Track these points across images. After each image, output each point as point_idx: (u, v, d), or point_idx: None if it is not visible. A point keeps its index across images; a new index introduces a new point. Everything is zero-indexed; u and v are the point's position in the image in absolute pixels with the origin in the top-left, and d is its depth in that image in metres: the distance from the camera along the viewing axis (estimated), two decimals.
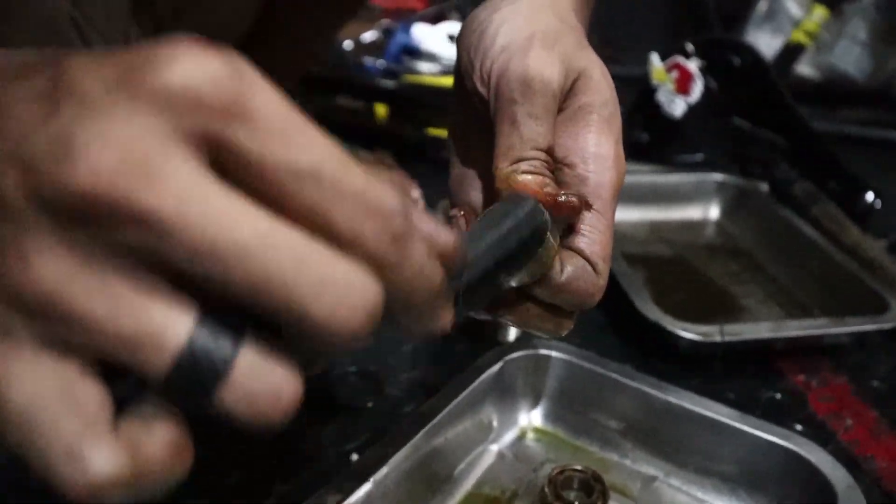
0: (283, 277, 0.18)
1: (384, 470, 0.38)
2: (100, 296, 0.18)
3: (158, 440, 0.19)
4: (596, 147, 0.33)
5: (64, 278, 0.18)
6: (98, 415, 0.18)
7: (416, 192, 0.70)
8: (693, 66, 0.81)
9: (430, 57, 1.14)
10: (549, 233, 0.30)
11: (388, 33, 1.16)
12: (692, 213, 0.77)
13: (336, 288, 0.18)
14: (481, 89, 0.34)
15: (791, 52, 1.13)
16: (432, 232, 0.22)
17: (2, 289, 0.18)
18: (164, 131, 0.18)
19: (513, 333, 0.55)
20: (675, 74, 0.81)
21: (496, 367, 0.45)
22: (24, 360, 0.18)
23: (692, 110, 0.81)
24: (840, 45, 1.25)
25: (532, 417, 0.47)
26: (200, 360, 0.18)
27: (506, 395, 0.46)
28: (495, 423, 0.46)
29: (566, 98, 0.34)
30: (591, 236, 0.32)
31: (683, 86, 0.81)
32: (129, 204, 0.17)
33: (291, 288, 0.18)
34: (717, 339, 0.52)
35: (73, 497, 0.18)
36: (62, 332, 0.18)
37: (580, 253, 0.32)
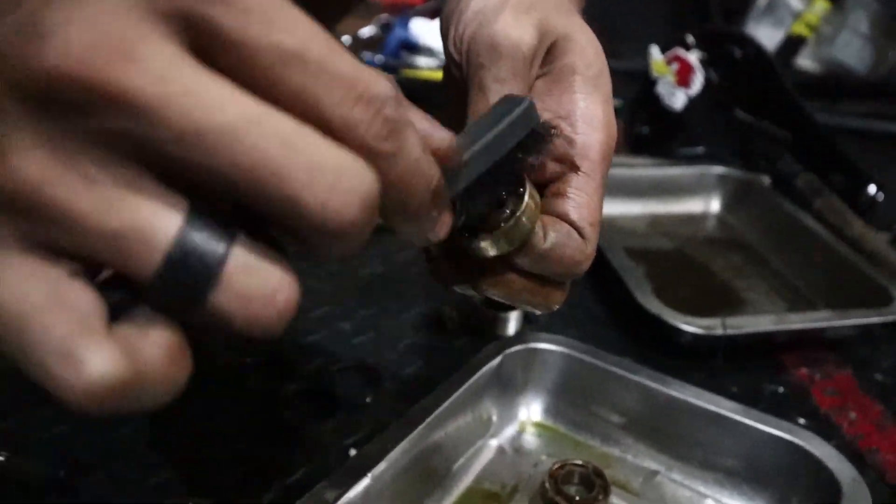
0: (273, 162, 0.17)
1: (382, 465, 0.37)
2: (84, 190, 0.17)
3: (156, 344, 0.18)
4: (582, 108, 0.32)
5: (45, 173, 0.17)
6: (91, 315, 0.17)
7: None
8: (693, 58, 0.80)
9: (429, 52, 1.13)
10: (527, 194, 0.29)
11: (386, 28, 1.16)
12: (693, 206, 0.77)
13: (328, 173, 0.17)
14: (455, 55, 0.33)
15: (792, 44, 1.12)
16: (426, 128, 0.21)
17: None
18: (140, 10, 0.16)
19: (512, 327, 0.55)
20: (675, 67, 0.81)
21: (495, 362, 0.45)
22: (11, 263, 0.17)
23: (693, 103, 0.80)
24: (841, 37, 1.25)
25: (532, 412, 0.47)
26: (191, 258, 0.17)
27: (505, 389, 0.46)
28: (495, 418, 0.45)
29: (547, 62, 0.33)
30: (578, 199, 0.31)
31: (684, 78, 0.80)
32: (107, 84, 0.16)
33: (281, 173, 0.17)
34: (719, 332, 0.52)
35: (72, 402, 0.17)
36: (47, 232, 0.17)
37: (565, 217, 0.31)
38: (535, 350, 0.46)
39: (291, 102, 0.18)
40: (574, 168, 0.31)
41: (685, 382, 0.45)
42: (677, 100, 0.80)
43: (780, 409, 0.51)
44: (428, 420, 0.40)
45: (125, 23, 0.16)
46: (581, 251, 0.30)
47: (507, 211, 0.28)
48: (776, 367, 0.55)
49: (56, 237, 0.17)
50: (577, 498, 0.40)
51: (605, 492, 0.41)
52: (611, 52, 0.34)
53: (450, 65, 0.34)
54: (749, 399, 0.51)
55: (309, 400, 0.48)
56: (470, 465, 0.43)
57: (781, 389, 0.53)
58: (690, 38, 0.80)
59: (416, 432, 0.40)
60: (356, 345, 0.53)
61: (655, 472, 0.44)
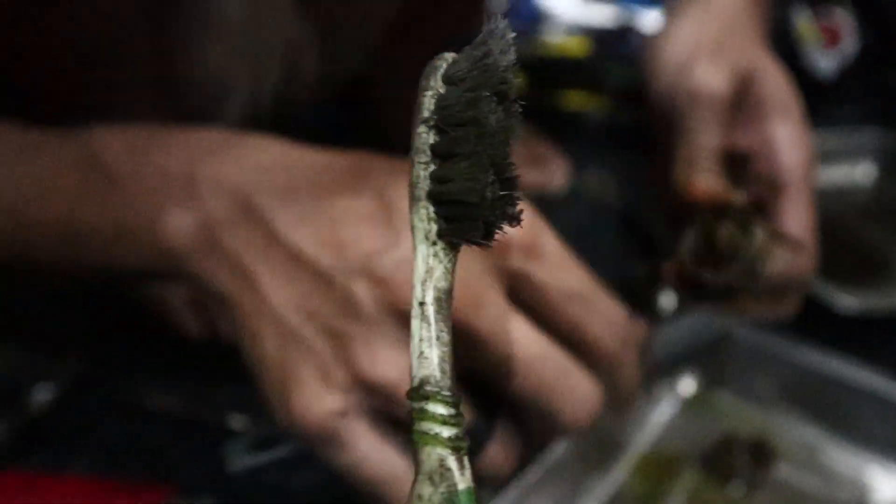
0: (549, 384, 0.25)
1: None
2: None
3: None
4: (778, 133, 0.36)
5: (399, 370, 0.24)
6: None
7: (562, 170, 0.72)
8: (844, 18, 0.78)
9: (558, 19, 1.15)
10: (758, 232, 0.32)
11: None
12: (847, 174, 0.76)
13: (580, 394, 0.26)
14: (657, 107, 0.38)
15: None
16: (638, 331, 0.29)
17: (351, 370, 0.24)
18: (488, 269, 0.24)
19: (669, 302, 0.58)
20: (822, 28, 0.79)
21: (660, 337, 0.49)
22: (363, 430, 0.25)
23: (845, 65, 0.78)
24: None
25: (695, 385, 0.50)
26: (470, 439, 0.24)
27: (670, 363, 0.50)
28: (661, 391, 0.49)
29: (742, 97, 0.36)
30: (793, 215, 0.35)
31: (833, 40, 0.78)
32: (464, 322, 0.24)
33: (553, 392, 0.25)
34: (879, 307, 0.53)
35: None
36: (385, 408, 0.25)
37: (786, 235, 0.35)
38: (697, 326, 0.49)
39: (567, 325, 0.26)
40: (782, 188, 0.35)
41: (842, 357, 0.47)
42: (825, 63, 0.79)
43: None
44: None
45: (477, 277, 0.24)
46: (807, 265, 0.35)
47: (742, 245, 0.32)
48: None
49: (396, 414, 0.24)
50: (746, 466, 0.44)
51: (772, 460, 0.44)
52: None
53: (653, 114, 0.38)
54: None
55: None
56: (641, 435, 0.47)
57: None
58: None
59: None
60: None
61: (816, 444, 0.46)
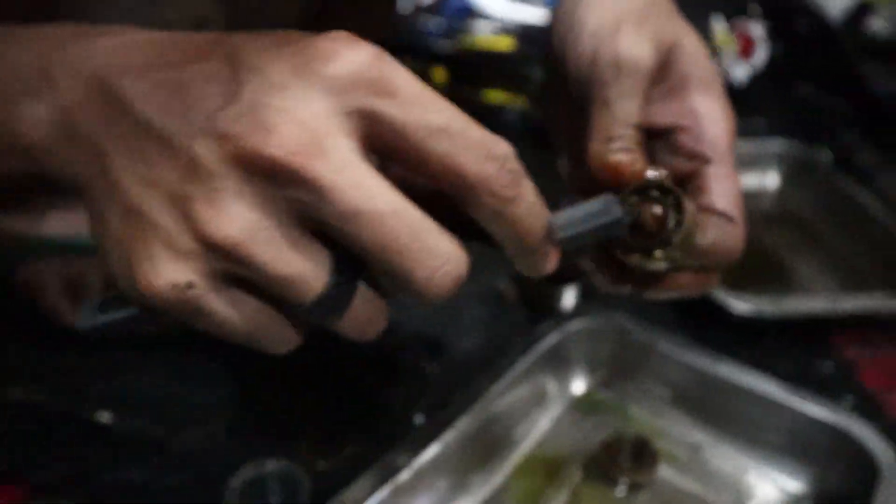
0: (400, 243, 0.23)
1: (451, 433, 0.41)
2: (271, 245, 0.23)
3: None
4: (702, 106, 0.34)
5: (248, 228, 0.22)
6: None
7: None
8: (757, 29, 0.79)
9: (485, 16, 1.14)
10: (686, 203, 0.30)
11: None
12: (751, 181, 0.77)
13: (437, 257, 0.23)
14: (574, 74, 0.36)
15: (862, 11, 1.09)
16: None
17: (195, 235, 0.23)
18: (332, 111, 0.22)
19: (568, 301, 0.58)
20: (738, 38, 0.80)
21: (553, 337, 0.48)
22: (221, 292, 0.24)
23: (755, 75, 0.80)
24: None
25: (586, 385, 0.50)
26: (332, 300, 0.24)
27: (562, 363, 0.49)
28: (551, 390, 0.49)
29: (664, 70, 0.35)
30: (720, 189, 0.33)
31: (747, 50, 0.80)
32: (304, 171, 0.22)
33: (404, 252, 0.23)
34: (771, 312, 0.53)
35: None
36: (238, 270, 0.23)
37: (714, 209, 0.33)
38: (591, 327, 0.49)
39: (437, 166, 0.23)
40: (707, 161, 0.33)
41: (733, 360, 0.47)
42: (740, 72, 0.80)
43: (827, 386, 0.53)
44: (491, 391, 0.44)
45: (320, 121, 0.22)
46: (737, 237, 0.33)
47: (672, 224, 0.30)
48: (826, 345, 0.57)
49: (243, 274, 0.23)
50: (628, 467, 0.43)
51: (654, 462, 0.44)
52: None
53: (567, 82, 0.36)
54: (797, 376, 0.53)
55: (376, 368, 0.52)
56: (528, 434, 0.46)
57: (830, 367, 0.55)
58: (754, 9, 0.80)
59: (480, 403, 0.43)
60: (417, 317, 0.57)
61: (700, 445, 0.46)
